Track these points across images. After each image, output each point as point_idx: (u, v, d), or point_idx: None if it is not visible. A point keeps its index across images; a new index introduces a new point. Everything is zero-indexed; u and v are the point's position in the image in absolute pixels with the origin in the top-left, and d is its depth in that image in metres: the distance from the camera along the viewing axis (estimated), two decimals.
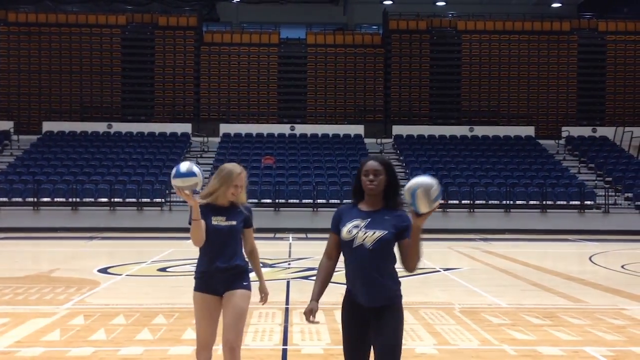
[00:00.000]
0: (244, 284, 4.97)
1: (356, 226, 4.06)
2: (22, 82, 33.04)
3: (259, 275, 5.21)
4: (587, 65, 34.15)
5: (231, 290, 4.91)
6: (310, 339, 7.52)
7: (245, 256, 5.10)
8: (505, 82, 33.88)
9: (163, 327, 8.12)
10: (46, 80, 33.06)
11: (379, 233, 4.02)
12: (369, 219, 4.06)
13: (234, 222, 4.95)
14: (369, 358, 4.15)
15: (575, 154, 31.31)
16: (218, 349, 5.34)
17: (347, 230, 4.07)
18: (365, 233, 4.03)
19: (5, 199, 24.86)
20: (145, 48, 33.95)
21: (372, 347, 4.10)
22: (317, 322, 4.26)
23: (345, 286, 4.20)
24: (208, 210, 4.93)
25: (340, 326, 4.31)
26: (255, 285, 5.11)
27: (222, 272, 4.90)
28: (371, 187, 4.07)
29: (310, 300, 4.18)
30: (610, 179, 27.88)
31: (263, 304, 5.19)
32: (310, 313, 4.14)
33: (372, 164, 4.10)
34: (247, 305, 4.99)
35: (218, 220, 4.91)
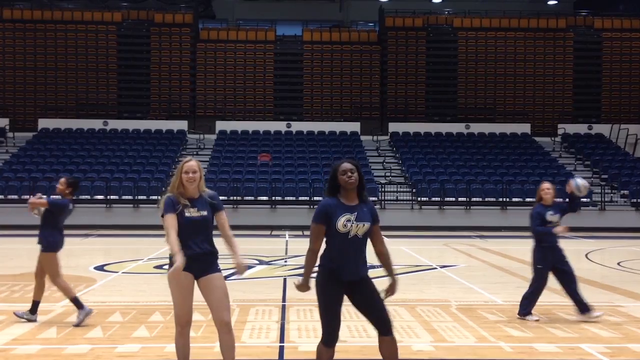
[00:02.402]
0: (218, 267, 5.41)
1: (349, 220, 4.90)
2: (17, 79, 32.96)
3: (236, 250, 5.42)
4: (583, 62, 34.21)
5: (208, 275, 5.32)
6: (307, 336, 7.51)
7: (224, 239, 5.46)
8: (502, 79, 33.91)
9: (160, 324, 8.11)
10: (42, 77, 32.99)
11: (367, 225, 4.97)
12: (355, 213, 4.94)
13: (204, 212, 5.34)
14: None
15: (571, 152, 31.36)
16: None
17: (342, 224, 4.89)
18: (357, 225, 4.92)
19: (1, 197, 24.82)
20: (141, 45, 33.88)
21: (359, 306, 5.08)
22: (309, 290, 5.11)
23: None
24: (179, 204, 5.29)
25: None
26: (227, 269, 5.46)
27: (198, 257, 5.26)
28: (351, 182, 4.91)
29: (305, 280, 5.12)
30: (606, 176, 27.94)
31: (240, 275, 5.54)
32: (306, 287, 5.09)
33: (347, 165, 4.97)
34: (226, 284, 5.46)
35: (190, 212, 5.29)
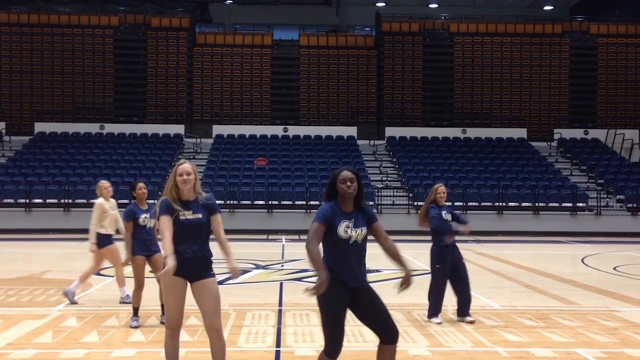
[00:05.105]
0: (212, 272, 5.35)
1: (348, 226, 4.91)
2: (14, 83, 32.91)
3: (230, 254, 5.38)
4: (579, 67, 34.28)
5: (202, 280, 5.28)
6: (304, 341, 7.51)
7: (218, 243, 5.41)
8: (498, 84, 33.97)
9: (156, 328, 8.10)
10: (38, 81, 32.95)
11: (364, 230, 4.95)
12: (353, 219, 4.94)
13: (200, 215, 5.30)
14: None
15: (568, 156, 31.42)
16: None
17: (343, 230, 4.88)
18: (356, 232, 4.91)
19: None
20: (137, 49, 33.87)
21: (362, 315, 4.95)
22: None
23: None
24: (175, 207, 5.25)
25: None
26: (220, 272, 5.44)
27: (190, 262, 5.24)
28: (350, 192, 4.91)
29: (320, 272, 4.71)
30: (602, 181, 27.99)
31: (234, 279, 5.54)
32: (324, 283, 4.68)
33: (347, 174, 4.93)
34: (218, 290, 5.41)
35: (186, 215, 5.26)
